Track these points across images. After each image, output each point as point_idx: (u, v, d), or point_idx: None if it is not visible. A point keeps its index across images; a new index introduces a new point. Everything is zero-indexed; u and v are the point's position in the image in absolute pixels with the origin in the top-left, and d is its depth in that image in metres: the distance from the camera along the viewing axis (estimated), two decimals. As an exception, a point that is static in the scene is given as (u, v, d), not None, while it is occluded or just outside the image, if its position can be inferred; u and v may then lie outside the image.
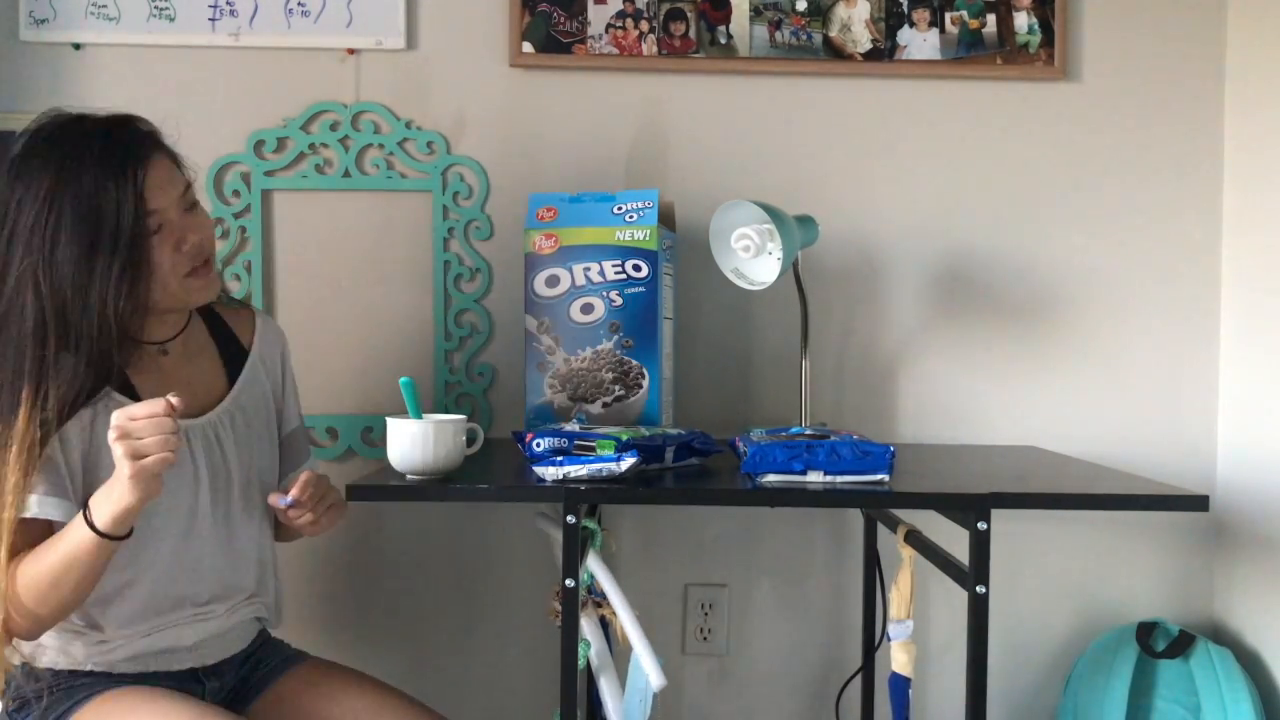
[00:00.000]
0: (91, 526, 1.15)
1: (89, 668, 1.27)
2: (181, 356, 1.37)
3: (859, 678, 1.79)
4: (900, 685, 1.36)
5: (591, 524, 1.38)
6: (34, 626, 1.21)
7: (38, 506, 1.20)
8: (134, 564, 1.27)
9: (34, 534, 1.21)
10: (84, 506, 1.17)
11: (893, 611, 1.37)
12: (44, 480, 1.21)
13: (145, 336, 1.31)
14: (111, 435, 1.12)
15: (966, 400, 1.85)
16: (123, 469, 1.12)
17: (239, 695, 1.40)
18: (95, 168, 1.21)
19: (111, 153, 1.23)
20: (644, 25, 1.80)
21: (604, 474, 1.26)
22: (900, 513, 1.54)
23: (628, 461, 1.26)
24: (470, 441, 1.33)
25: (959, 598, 1.27)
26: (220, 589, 1.35)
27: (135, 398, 1.28)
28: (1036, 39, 1.82)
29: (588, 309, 1.58)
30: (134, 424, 1.12)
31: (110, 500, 1.15)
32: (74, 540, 1.17)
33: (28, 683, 1.28)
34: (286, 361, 1.51)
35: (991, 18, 1.81)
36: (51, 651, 1.27)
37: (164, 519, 1.29)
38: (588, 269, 1.58)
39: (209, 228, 1.34)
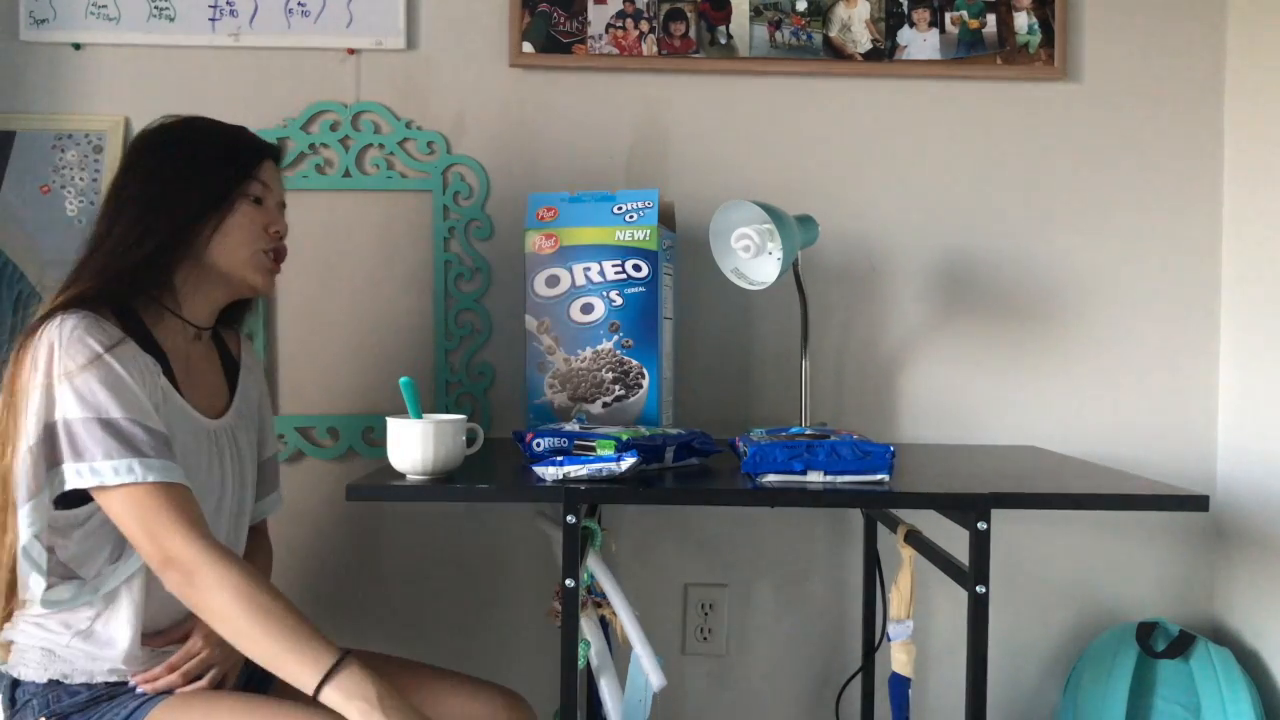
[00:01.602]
0: (317, 691, 1.12)
1: (129, 681, 1.27)
2: (204, 355, 1.38)
3: (859, 678, 1.79)
4: (900, 685, 1.36)
5: (591, 524, 1.38)
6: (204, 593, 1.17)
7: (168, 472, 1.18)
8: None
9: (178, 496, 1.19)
10: (326, 679, 1.12)
11: (893, 611, 1.37)
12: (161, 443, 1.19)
13: (184, 308, 1.32)
14: None
15: (966, 400, 1.85)
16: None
17: (250, 689, 1.39)
18: (228, 136, 1.35)
19: (246, 136, 1.38)
20: (644, 25, 1.80)
21: (604, 474, 1.26)
22: (900, 513, 1.54)
23: (628, 461, 1.26)
24: (470, 441, 1.33)
25: (959, 598, 1.27)
26: None
27: (170, 372, 1.28)
28: (1036, 39, 1.82)
29: (588, 309, 1.58)
30: None
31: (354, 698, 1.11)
32: (289, 670, 1.13)
33: (61, 695, 1.25)
34: (264, 385, 1.52)
35: (991, 18, 1.81)
36: (102, 664, 1.26)
37: None
38: (588, 269, 1.58)
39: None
